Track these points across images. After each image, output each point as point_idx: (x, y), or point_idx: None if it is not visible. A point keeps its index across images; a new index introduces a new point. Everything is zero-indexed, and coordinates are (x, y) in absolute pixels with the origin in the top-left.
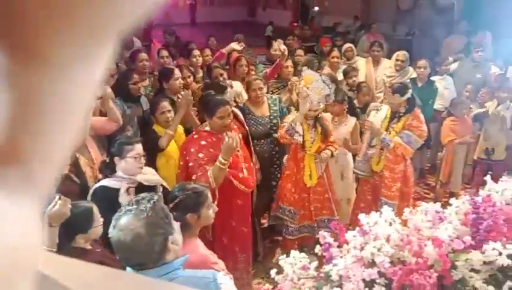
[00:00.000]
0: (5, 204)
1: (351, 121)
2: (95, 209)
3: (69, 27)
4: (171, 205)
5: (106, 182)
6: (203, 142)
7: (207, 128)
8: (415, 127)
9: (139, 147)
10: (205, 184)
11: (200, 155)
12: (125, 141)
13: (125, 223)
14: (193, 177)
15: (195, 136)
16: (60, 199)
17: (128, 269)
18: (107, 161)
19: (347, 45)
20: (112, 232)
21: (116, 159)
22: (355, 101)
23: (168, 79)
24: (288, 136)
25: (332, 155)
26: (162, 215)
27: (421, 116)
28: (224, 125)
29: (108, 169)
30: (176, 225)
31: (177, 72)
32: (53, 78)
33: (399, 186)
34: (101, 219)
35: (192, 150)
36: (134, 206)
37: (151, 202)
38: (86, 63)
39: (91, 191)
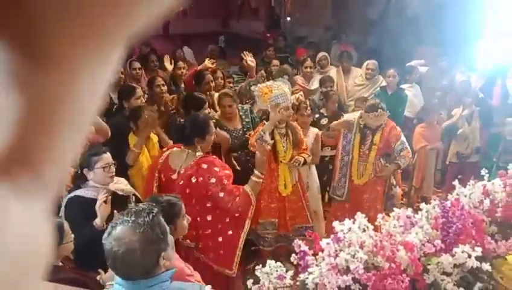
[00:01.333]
0: (17, 206)
1: (313, 131)
2: (66, 225)
3: (80, 28)
4: None
5: (79, 192)
6: (216, 169)
7: (198, 153)
8: (396, 135)
9: (106, 157)
10: (177, 195)
11: (225, 182)
12: (92, 151)
13: (120, 233)
14: (230, 205)
15: (205, 166)
16: None
17: (116, 277)
18: (78, 172)
19: (321, 54)
20: (106, 239)
21: (85, 170)
22: (323, 110)
23: (129, 98)
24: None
25: (305, 162)
26: (158, 231)
27: (392, 122)
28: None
29: (80, 180)
30: (171, 240)
31: (138, 91)
32: (64, 79)
33: (378, 208)
34: (72, 235)
35: (213, 180)
36: (133, 218)
37: (150, 216)
38: (96, 64)
39: (64, 201)
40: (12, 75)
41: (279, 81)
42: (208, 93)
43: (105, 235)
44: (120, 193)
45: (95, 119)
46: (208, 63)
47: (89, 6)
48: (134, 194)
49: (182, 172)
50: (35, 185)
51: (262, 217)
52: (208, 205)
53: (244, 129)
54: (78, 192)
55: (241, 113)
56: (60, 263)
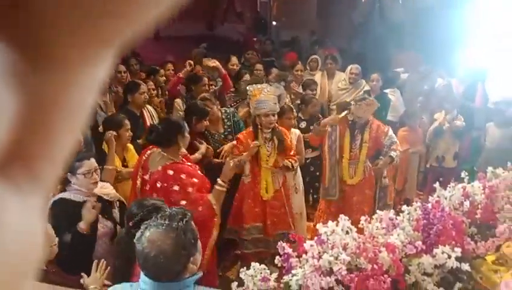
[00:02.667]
0: (13, 204)
1: (295, 133)
2: (50, 228)
3: (79, 28)
4: (131, 223)
5: (65, 194)
6: (183, 176)
7: (182, 150)
8: (383, 131)
9: (89, 163)
10: (161, 199)
11: (189, 190)
12: (75, 157)
13: (153, 236)
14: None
15: (171, 173)
16: None
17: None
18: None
19: (312, 56)
20: (139, 240)
21: (68, 175)
22: (300, 114)
23: (133, 92)
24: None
25: (293, 167)
26: (190, 236)
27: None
28: (185, 146)
29: (64, 182)
30: (199, 245)
31: (143, 86)
32: (62, 79)
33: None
34: (56, 239)
35: (176, 188)
36: (167, 222)
37: (184, 221)
38: (92, 64)
39: (50, 204)
40: (11, 74)
41: (274, 86)
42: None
43: (137, 235)
44: (105, 197)
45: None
46: (210, 62)
47: (88, 6)
48: (119, 200)
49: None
50: (31, 184)
51: (246, 222)
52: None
53: (226, 133)
54: (63, 195)
55: (223, 117)
56: (44, 267)
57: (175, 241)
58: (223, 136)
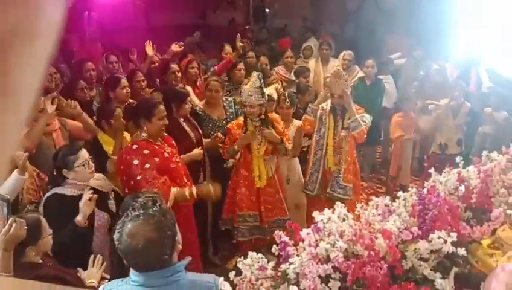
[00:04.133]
0: None
1: (295, 124)
2: (43, 220)
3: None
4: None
5: (58, 189)
6: (145, 152)
7: (144, 134)
8: (359, 109)
9: (83, 154)
10: (155, 190)
11: (147, 166)
12: (68, 152)
13: (134, 229)
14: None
15: (135, 147)
16: (15, 221)
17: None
18: (55, 173)
19: (306, 44)
20: (121, 240)
21: (64, 171)
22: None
23: (114, 88)
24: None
25: (286, 151)
26: (169, 217)
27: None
28: (162, 129)
29: (57, 181)
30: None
31: (123, 81)
32: None
33: (351, 177)
34: (50, 230)
35: (135, 162)
36: (142, 211)
37: (157, 205)
38: (25, 40)
39: (43, 201)
40: None
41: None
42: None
43: (116, 236)
44: (100, 189)
45: (83, 116)
46: (174, 47)
47: None
48: (113, 190)
49: None
50: None
51: (240, 210)
52: (131, 183)
53: (228, 119)
54: (56, 190)
55: (225, 104)
56: (40, 260)
57: (158, 226)
58: (225, 122)
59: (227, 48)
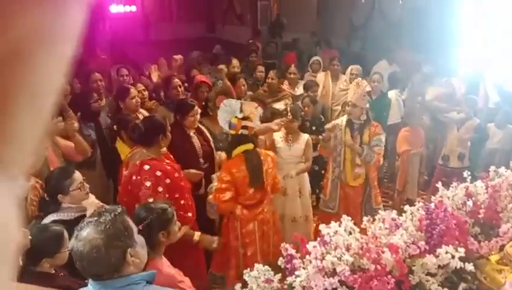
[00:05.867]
0: None
1: (304, 138)
2: (65, 234)
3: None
4: (140, 227)
5: (54, 216)
6: (158, 173)
7: (163, 150)
8: (378, 133)
9: (78, 176)
10: (167, 201)
11: (160, 189)
12: (61, 176)
13: (85, 234)
14: None
15: (146, 167)
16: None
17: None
18: (47, 198)
19: (314, 58)
20: (73, 243)
21: (60, 196)
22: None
23: (124, 98)
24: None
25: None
26: (121, 227)
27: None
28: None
29: (51, 206)
30: (139, 239)
31: (133, 91)
32: (14, 55)
33: (380, 197)
34: (69, 245)
35: (147, 183)
36: (95, 218)
37: (113, 214)
38: (47, 44)
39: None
40: None
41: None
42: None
43: (72, 239)
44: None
45: (76, 137)
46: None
47: None
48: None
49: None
50: None
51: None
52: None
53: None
54: (53, 217)
55: None
56: (53, 271)
57: (104, 234)
58: (224, 136)
59: (235, 62)
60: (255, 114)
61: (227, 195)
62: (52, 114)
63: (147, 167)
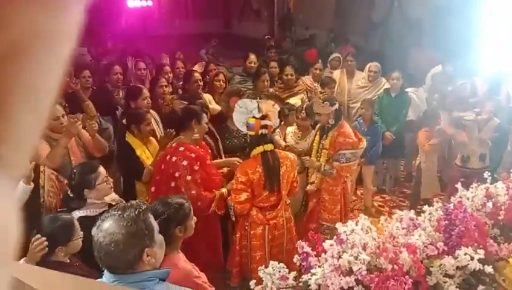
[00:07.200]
0: None
1: (312, 135)
2: (76, 222)
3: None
4: (157, 221)
5: (82, 213)
6: (192, 155)
7: (196, 135)
8: (344, 144)
9: (103, 170)
10: (184, 196)
11: (196, 168)
12: (87, 170)
13: (106, 226)
14: (193, 192)
15: (182, 149)
16: None
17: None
18: (71, 194)
19: (334, 55)
20: (94, 232)
21: (86, 191)
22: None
23: (135, 98)
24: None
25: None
26: (142, 226)
27: (346, 127)
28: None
29: (75, 202)
30: (159, 239)
31: (145, 91)
32: (11, 51)
33: (339, 208)
34: (81, 233)
35: (184, 163)
36: (119, 212)
37: (137, 211)
38: (47, 43)
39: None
40: None
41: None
42: (198, 92)
43: (94, 228)
44: (113, 203)
45: (97, 136)
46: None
47: None
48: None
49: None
50: None
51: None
52: (172, 184)
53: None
54: (80, 213)
55: None
56: (68, 260)
57: (125, 230)
58: (241, 132)
59: (252, 57)
60: (273, 112)
61: (243, 196)
62: (48, 113)
63: (182, 148)
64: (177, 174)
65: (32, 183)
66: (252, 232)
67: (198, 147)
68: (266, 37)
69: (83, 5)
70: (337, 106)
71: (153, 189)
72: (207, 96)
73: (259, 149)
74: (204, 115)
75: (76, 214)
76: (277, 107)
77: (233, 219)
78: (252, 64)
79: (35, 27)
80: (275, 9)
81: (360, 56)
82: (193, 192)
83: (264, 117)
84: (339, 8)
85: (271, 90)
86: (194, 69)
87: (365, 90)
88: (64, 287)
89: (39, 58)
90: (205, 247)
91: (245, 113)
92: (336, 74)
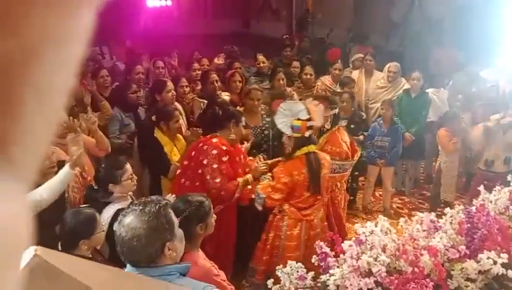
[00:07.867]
0: None
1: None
2: (97, 216)
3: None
4: (179, 219)
5: (118, 205)
6: (224, 147)
7: (232, 136)
8: (330, 152)
9: (128, 168)
10: (204, 194)
11: (224, 159)
12: (114, 166)
13: (128, 221)
14: (217, 180)
15: (215, 140)
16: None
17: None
18: (96, 187)
19: (357, 55)
20: (117, 226)
21: (111, 185)
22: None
23: (160, 91)
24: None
25: None
26: (163, 221)
27: (340, 134)
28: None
29: (100, 194)
30: (179, 233)
31: (169, 84)
32: (24, 49)
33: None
34: (103, 226)
35: (214, 152)
36: (140, 207)
37: (157, 206)
38: (58, 45)
39: (109, 220)
40: None
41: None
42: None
43: (116, 223)
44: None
45: (99, 133)
46: (217, 60)
47: None
48: None
49: None
50: (7, 170)
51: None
52: (199, 171)
53: (263, 128)
54: (117, 206)
55: (263, 112)
56: (90, 255)
57: (146, 225)
58: (259, 130)
59: (260, 57)
60: (316, 112)
61: (278, 196)
62: (59, 115)
63: (215, 140)
64: (205, 162)
65: (77, 169)
66: (288, 233)
67: (233, 148)
68: (285, 36)
69: (94, 7)
70: (336, 110)
71: (178, 171)
72: (225, 95)
73: (304, 150)
74: (243, 118)
75: (114, 207)
76: (321, 107)
77: (260, 208)
78: (261, 64)
79: (46, 29)
80: (293, 9)
81: (380, 56)
82: (217, 180)
83: (309, 119)
84: (357, 8)
85: (288, 89)
86: (212, 64)
87: (384, 91)
88: (95, 274)
89: (50, 60)
90: (214, 245)
91: (289, 116)
92: (355, 74)
